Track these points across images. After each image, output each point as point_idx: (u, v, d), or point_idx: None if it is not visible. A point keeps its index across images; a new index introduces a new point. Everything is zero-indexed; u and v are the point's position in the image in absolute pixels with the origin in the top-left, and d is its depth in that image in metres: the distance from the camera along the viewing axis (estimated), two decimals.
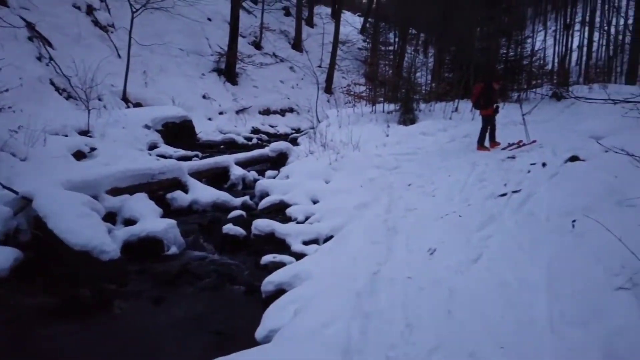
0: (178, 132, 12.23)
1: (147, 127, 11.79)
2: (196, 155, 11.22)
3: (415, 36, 33.49)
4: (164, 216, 6.41)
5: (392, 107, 12.82)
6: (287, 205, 7.06)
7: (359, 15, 36.85)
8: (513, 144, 9.45)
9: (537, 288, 3.20)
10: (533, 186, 5.70)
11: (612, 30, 32.91)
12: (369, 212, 6.20)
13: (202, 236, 6.12)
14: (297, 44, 26.01)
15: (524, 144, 9.27)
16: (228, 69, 20.10)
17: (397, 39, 23.95)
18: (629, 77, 18.72)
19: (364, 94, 17.55)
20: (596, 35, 33.88)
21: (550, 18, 41.88)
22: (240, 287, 4.71)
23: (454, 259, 4.12)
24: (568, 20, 34.54)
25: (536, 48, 18.12)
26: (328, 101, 22.88)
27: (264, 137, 17.39)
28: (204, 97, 17.72)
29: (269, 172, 9.21)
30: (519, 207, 5.04)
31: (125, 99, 14.47)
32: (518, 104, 12.12)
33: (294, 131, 19.12)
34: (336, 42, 24.25)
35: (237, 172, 8.85)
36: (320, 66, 25.98)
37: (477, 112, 10.15)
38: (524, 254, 3.78)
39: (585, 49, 32.81)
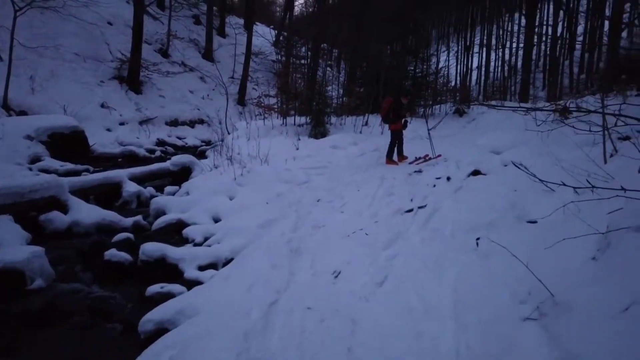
0: (67, 144, 10.95)
1: (29, 138, 10.42)
2: (87, 170, 10.07)
3: (328, 51, 34.03)
4: (34, 242, 5.46)
5: (303, 120, 12.57)
6: (186, 225, 6.41)
7: (272, 28, 36.71)
8: (420, 158, 9.58)
9: (443, 315, 2.95)
10: (438, 201, 5.62)
11: (507, 52, 36.06)
12: (275, 230, 5.75)
13: (78, 264, 5.25)
14: (207, 54, 25.11)
15: (430, 158, 9.42)
16: (131, 77, 18.74)
17: (309, 53, 24.01)
18: (521, 96, 20.42)
19: (275, 106, 17.18)
20: (493, 56, 36.94)
21: (453, 40, 44.89)
22: (118, 325, 4.01)
23: (359, 282, 3.80)
24: (468, 42, 37.23)
25: (440, 66, 19.03)
26: (241, 113, 22.26)
27: (170, 149, 16.41)
28: (102, 106, 16.26)
29: (169, 188, 8.41)
30: (424, 223, 4.89)
31: (6, 106, 12.83)
32: (424, 119, 12.47)
33: (203, 143, 18.27)
34: (249, 53, 23.75)
35: (130, 188, 7.96)
36: (232, 77, 25.30)
37: (387, 126, 10.21)
38: (429, 274, 3.56)
39: (483, 69, 35.58)
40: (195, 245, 5.73)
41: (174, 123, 19.56)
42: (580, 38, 35.47)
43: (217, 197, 7.00)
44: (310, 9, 28.90)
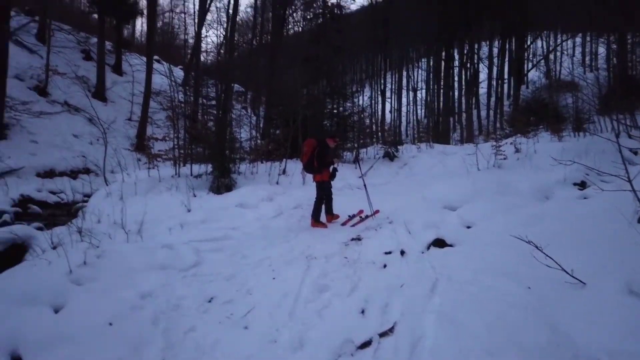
0: None
1: None
2: None
3: (243, 94, 31.97)
4: None
5: (203, 169, 9.85)
6: None
7: (180, 68, 33.90)
8: (354, 215, 7.38)
9: None
10: (411, 316, 3.22)
11: (420, 95, 36.44)
12: None
13: None
14: (99, 93, 21.63)
15: (367, 216, 7.27)
16: None
17: (221, 94, 21.59)
18: (443, 138, 19.69)
19: (163, 153, 14.27)
20: (405, 100, 37.20)
21: (366, 85, 44.99)
22: None
23: None
24: (382, 87, 37.24)
25: (364, 105, 17.50)
26: (139, 160, 19.00)
27: (37, 209, 12.83)
28: None
29: None
30: None
31: None
32: (355, 165, 10.41)
33: (87, 198, 14.76)
34: (148, 91, 20.66)
35: None
36: (130, 119, 22.01)
37: (310, 175, 7.90)
38: None
39: (395, 112, 35.47)
40: None
41: (49, 174, 15.91)
42: (484, 83, 36.74)
43: (30, 309, 4.03)
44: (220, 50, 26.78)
